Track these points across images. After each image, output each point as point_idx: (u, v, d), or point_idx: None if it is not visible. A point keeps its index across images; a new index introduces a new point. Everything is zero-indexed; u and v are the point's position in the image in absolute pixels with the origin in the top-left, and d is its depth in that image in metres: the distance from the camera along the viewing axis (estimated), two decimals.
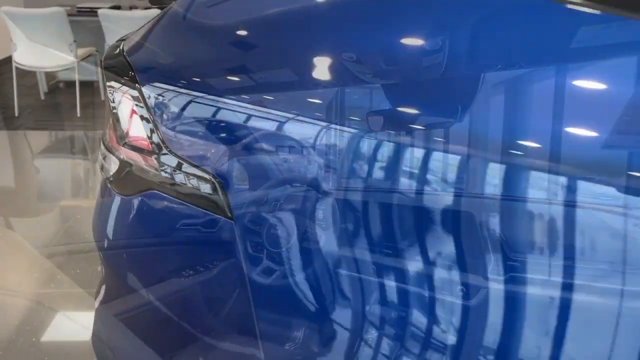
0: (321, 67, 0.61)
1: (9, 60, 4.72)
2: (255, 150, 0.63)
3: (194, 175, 0.67)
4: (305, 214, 0.60)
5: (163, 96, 0.70)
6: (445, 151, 0.51)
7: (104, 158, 0.83)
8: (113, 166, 0.80)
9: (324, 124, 0.58)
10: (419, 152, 0.53)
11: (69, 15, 4.32)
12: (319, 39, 0.64)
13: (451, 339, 0.53)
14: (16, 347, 1.79)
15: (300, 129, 0.60)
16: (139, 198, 0.75)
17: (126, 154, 0.76)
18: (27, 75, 4.72)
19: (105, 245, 0.84)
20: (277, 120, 0.61)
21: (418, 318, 0.54)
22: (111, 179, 0.81)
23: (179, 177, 0.68)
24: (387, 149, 0.55)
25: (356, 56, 0.59)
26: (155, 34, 0.80)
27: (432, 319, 0.54)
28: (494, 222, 0.49)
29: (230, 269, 0.65)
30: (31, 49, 4.19)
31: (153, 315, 0.78)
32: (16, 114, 4.42)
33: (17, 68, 4.33)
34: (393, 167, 0.54)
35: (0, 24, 4.40)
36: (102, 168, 0.84)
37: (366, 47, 0.59)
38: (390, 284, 0.56)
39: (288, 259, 0.62)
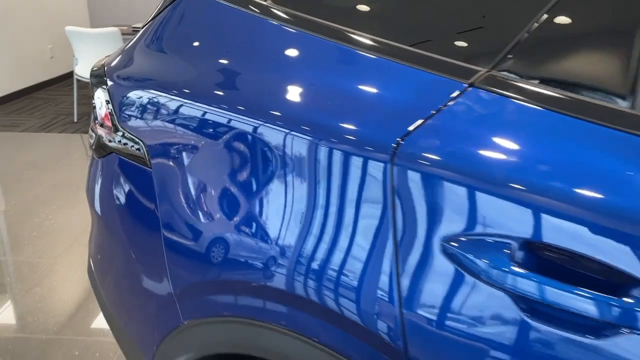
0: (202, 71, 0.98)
1: (71, 74, 5.36)
2: (166, 122, 0.99)
3: (132, 141, 1.04)
4: (196, 166, 0.95)
5: (121, 93, 1.09)
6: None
7: (90, 136, 1.23)
8: (93, 139, 1.19)
9: (206, 107, 0.93)
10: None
11: (124, 34, 4.90)
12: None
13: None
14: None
15: (191, 111, 0.95)
16: (106, 158, 1.13)
17: (98, 130, 1.15)
18: (86, 86, 5.34)
19: (88, 194, 1.24)
20: (179, 104, 0.98)
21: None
22: (92, 147, 1.20)
23: (125, 143, 1.06)
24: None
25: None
26: (123, 52, 1.19)
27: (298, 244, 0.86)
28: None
29: (149, 204, 1.02)
30: (90, 64, 4.78)
31: (110, 247, 1.16)
32: (75, 120, 5.04)
33: (77, 80, 4.94)
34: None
35: (65, 43, 5.03)
36: (90, 142, 1.24)
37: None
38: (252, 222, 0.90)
39: (187, 200, 0.97)
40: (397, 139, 0.70)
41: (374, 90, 0.77)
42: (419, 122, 0.71)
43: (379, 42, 0.80)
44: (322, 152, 0.77)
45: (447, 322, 0.67)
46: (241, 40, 0.95)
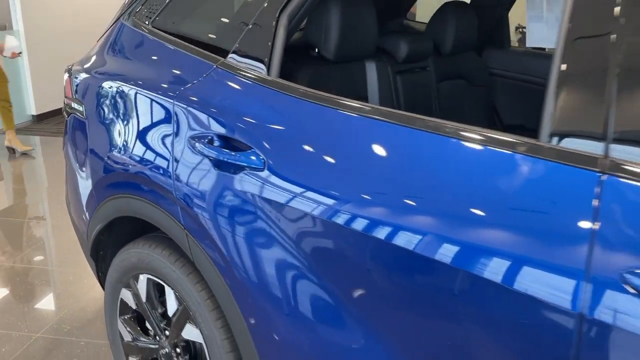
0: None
1: None
2: (95, 93, 1.75)
3: (78, 103, 1.82)
4: (106, 117, 1.71)
5: (75, 78, 1.86)
6: None
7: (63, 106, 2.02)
8: (64, 106, 1.98)
9: (118, 84, 1.69)
10: None
11: None
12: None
13: None
14: None
15: (107, 88, 1.71)
16: (70, 117, 1.91)
17: (66, 101, 1.93)
18: None
19: (63, 141, 2.02)
20: (103, 83, 1.74)
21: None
22: (64, 111, 1.99)
23: (74, 105, 1.84)
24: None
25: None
26: (88, 54, 1.97)
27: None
28: None
29: (84, 139, 1.78)
30: None
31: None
32: None
33: None
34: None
35: None
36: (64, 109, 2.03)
37: None
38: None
39: (100, 134, 1.73)
40: (177, 92, 1.44)
41: (168, 64, 1.52)
42: (192, 84, 1.44)
43: (179, 38, 1.55)
44: (148, 100, 1.52)
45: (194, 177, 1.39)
46: (139, 50, 1.71)
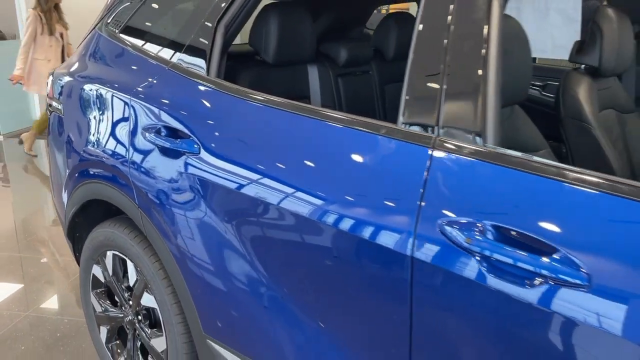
0: None
1: None
2: (70, 93, 2.00)
3: (57, 102, 2.07)
4: (78, 114, 1.96)
5: (59, 83, 2.12)
6: None
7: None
8: (47, 106, 2.23)
9: (94, 86, 1.94)
10: None
11: None
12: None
13: None
14: None
15: (75, 89, 1.96)
16: (52, 115, 2.16)
17: (48, 101, 2.18)
18: None
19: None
20: (75, 85, 1.99)
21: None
22: (47, 109, 2.24)
23: (54, 104, 2.09)
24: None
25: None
26: (70, 59, 2.22)
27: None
28: None
29: (62, 131, 2.03)
30: None
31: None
32: None
33: None
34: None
35: None
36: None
37: None
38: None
39: (74, 127, 1.98)
40: (135, 89, 1.69)
41: (130, 66, 1.78)
42: (147, 82, 1.69)
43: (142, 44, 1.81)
44: (111, 98, 1.77)
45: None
46: (108, 55, 1.96)
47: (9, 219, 3.93)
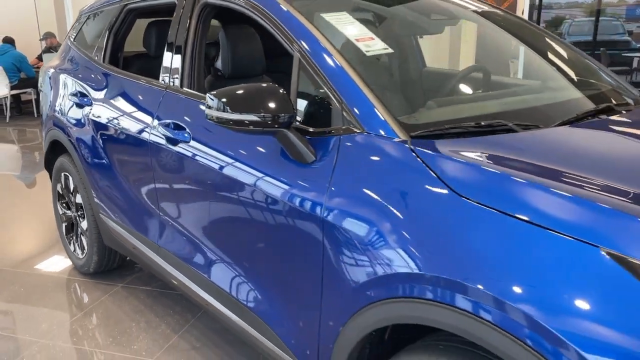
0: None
1: None
2: (59, 82, 3.27)
3: (42, 85, 3.35)
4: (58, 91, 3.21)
5: (52, 75, 3.39)
6: None
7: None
8: (39, 87, 3.52)
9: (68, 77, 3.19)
10: None
11: None
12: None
13: None
14: None
15: (61, 78, 3.22)
16: (41, 93, 3.45)
17: (39, 85, 3.47)
18: None
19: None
20: (61, 77, 3.24)
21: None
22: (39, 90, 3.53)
23: (41, 87, 3.37)
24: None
25: None
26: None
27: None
28: None
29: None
30: None
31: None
32: None
33: None
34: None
35: None
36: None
37: None
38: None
39: (58, 100, 3.23)
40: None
41: (79, 60, 3.02)
42: (78, 67, 2.93)
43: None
44: (66, 78, 3.02)
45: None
46: (68, 54, 3.23)
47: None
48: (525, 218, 1.11)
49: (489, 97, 1.95)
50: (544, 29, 2.46)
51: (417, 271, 1.21)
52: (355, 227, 1.37)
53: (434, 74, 2.53)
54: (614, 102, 1.79)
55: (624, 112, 1.72)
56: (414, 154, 1.34)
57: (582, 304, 0.99)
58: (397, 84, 1.95)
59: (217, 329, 2.59)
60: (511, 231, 1.12)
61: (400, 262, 1.25)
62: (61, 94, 3.03)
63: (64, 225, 3.29)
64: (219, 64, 2.30)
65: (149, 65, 2.79)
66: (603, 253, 1.01)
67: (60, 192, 3.23)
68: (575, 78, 2.02)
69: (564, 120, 1.57)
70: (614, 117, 1.66)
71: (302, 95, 1.69)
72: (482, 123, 1.49)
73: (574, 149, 1.46)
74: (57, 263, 3.39)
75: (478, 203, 1.18)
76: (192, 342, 2.51)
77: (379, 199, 1.35)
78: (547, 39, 2.22)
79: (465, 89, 2.04)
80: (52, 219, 3.51)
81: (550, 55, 2.17)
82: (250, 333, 1.86)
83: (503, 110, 1.67)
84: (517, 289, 1.06)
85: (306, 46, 1.64)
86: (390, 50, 1.81)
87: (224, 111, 1.53)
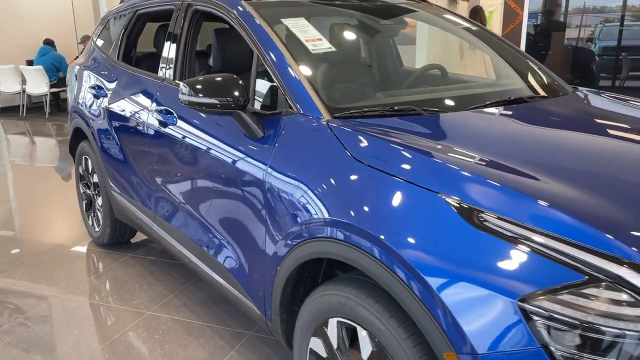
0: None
1: None
2: (88, 79, 3.75)
3: (72, 78, 3.84)
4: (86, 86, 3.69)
5: (77, 72, 3.88)
6: None
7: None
8: (67, 81, 4.02)
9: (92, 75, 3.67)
10: None
11: None
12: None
13: None
14: None
15: (92, 76, 3.69)
16: (69, 87, 3.94)
17: (67, 79, 3.96)
18: None
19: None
20: (90, 75, 3.72)
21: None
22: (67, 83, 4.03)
23: (69, 81, 3.86)
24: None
25: None
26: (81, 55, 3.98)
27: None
28: None
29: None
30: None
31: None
32: None
33: None
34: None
35: None
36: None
37: None
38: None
39: (85, 92, 3.71)
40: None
41: (101, 60, 3.50)
42: (98, 64, 3.39)
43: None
44: (90, 74, 3.50)
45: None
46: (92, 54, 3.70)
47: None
48: (394, 174, 1.47)
49: (423, 91, 2.31)
50: (486, 29, 2.79)
51: (327, 217, 1.58)
52: (286, 186, 1.75)
53: (392, 71, 2.88)
54: (525, 95, 2.13)
55: (528, 102, 2.06)
56: (329, 130, 1.71)
57: (423, 236, 1.34)
58: (336, 77, 2.30)
59: (206, 291, 3.00)
60: (386, 185, 1.47)
61: (316, 211, 1.62)
62: (83, 88, 3.50)
63: (84, 203, 3.76)
64: (211, 61, 2.75)
65: (156, 63, 3.23)
66: (442, 197, 1.36)
67: (81, 173, 3.71)
68: (502, 74, 2.36)
69: (471, 108, 1.92)
70: (512, 105, 2.01)
71: (260, 85, 2.08)
72: (395, 108, 1.85)
73: (452, 125, 1.81)
74: (79, 238, 3.87)
75: (368, 165, 1.54)
76: (184, 300, 2.93)
77: (303, 163, 1.73)
78: (488, 40, 2.56)
79: (401, 83, 2.40)
80: (77, 203, 4.00)
81: (488, 55, 2.51)
82: (222, 284, 2.25)
83: (423, 99, 2.03)
84: (385, 226, 1.41)
85: (261, 45, 2.03)
86: (333, 49, 2.18)
87: (195, 96, 1.93)
